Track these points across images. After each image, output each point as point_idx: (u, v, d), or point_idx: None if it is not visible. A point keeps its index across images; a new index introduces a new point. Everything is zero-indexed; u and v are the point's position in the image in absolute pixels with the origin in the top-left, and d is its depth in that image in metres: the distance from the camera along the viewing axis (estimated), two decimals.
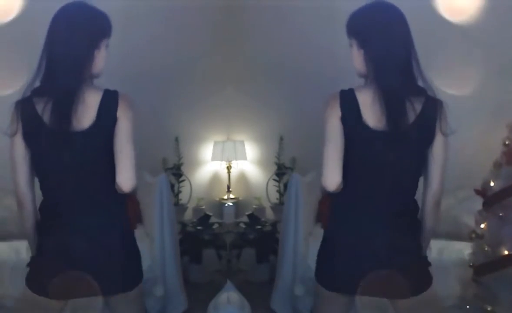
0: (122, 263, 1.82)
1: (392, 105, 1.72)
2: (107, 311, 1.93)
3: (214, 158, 4.85)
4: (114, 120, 1.74)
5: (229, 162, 4.84)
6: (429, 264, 1.88)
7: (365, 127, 1.73)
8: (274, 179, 4.89)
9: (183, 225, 4.60)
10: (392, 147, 1.72)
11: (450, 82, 3.55)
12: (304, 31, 4.46)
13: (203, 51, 4.54)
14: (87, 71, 1.77)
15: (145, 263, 3.30)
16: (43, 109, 1.71)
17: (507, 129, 3.09)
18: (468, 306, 3.17)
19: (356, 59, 1.82)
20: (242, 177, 5.04)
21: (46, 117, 1.71)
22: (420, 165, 1.80)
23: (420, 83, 1.77)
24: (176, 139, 4.82)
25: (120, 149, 1.75)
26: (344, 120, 1.74)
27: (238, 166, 4.95)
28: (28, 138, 1.75)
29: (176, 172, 4.80)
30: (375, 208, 1.77)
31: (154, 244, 3.59)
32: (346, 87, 1.80)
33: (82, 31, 1.75)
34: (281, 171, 4.84)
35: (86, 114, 1.72)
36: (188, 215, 4.81)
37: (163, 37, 4.44)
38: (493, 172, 3.12)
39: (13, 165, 1.79)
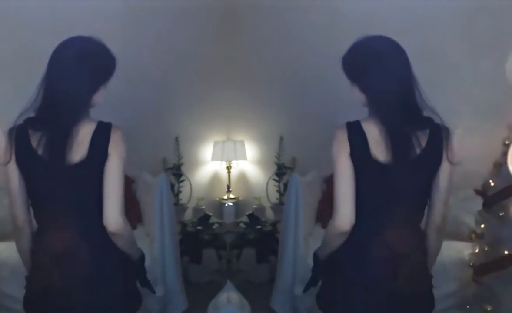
0: (114, 295, 1.76)
1: (397, 141, 1.69)
2: None
3: (214, 158, 4.85)
4: (105, 155, 1.70)
5: (229, 162, 4.84)
6: (432, 286, 1.86)
7: (374, 161, 1.70)
8: (274, 179, 4.89)
9: (183, 225, 4.60)
10: (400, 180, 1.69)
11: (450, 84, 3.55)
12: (304, 32, 4.45)
13: (203, 51, 4.54)
14: (86, 107, 1.74)
15: (145, 263, 3.34)
16: (38, 141, 1.68)
17: (507, 129, 3.09)
18: (468, 306, 3.18)
19: (357, 97, 1.79)
20: (242, 177, 5.04)
21: (40, 149, 1.68)
22: (427, 194, 1.78)
23: (425, 113, 1.73)
24: (176, 139, 4.82)
25: (108, 188, 1.69)
26: (353, 154, 1.71)
27: (238, 166, 4.95)
28: (22, 166, 1.71)
29: (176, 172, 4.80)
30: (384, 239, 1.72)
31: (154, 244, 3.59)
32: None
33: (87, 68, 1.70)
34: (281, 171, 4.84)
35: (79, 147, 1.69)
36: (188, 215, 4.81)
37: (163, 37, 4.43)
38: (493, 172, 3.12)
39: (9, 193, 1.75)
